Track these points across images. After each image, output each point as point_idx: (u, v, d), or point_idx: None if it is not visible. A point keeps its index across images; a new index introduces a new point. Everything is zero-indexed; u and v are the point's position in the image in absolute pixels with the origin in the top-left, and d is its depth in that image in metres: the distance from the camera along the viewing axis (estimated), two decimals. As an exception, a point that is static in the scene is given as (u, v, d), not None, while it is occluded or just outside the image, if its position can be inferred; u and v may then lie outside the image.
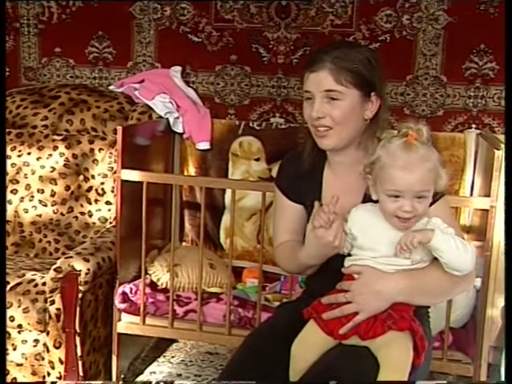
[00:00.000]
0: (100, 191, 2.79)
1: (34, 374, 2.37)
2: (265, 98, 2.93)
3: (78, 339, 2.27)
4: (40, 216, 2.81)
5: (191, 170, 2.92)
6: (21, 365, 2.37)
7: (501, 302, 2.15)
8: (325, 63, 1.59)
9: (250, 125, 2.85)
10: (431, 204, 1.55)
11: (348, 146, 1.67)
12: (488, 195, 2.15)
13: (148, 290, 2.47)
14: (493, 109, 2.75)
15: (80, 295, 2.26)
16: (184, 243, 2.97)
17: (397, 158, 1.47)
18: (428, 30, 2.75)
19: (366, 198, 1.63)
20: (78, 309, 2.25)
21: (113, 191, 2.74)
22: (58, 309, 2.27)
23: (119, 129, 2.36)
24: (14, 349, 2.36)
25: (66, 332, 2.25)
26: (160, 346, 2.91)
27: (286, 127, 2.82)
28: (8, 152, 2.81)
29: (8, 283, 2.36)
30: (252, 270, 2.70)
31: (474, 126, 2.76)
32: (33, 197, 2.82)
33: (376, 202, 1.57)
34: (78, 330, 2.27)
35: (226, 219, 2.88)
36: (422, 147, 1.49)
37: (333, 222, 1.51)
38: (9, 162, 2.81)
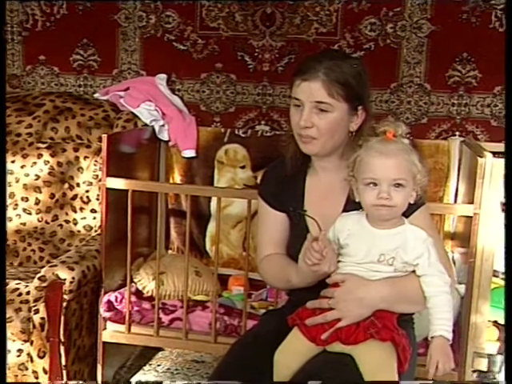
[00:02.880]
0: (85, 199, 2.79)
1: (17, 384, 2.36)
2: (250, 106, 2.94)
3: (62, 348, 2.26)
4: (24, 224, 2.80)
5: (177, 177, 2.91)
6: (4, 375, 2.36)
7: (485, 308, 2.17)
8: (318, 73, 1.59)
9: (236, 132, 2.86)
10: (411, 213, 1.58)
11: (331, 154, 1.69)
12: (472, 202, 2.16)
13: (133, 299, 2.46)
14: (476, 116, 2.77)
15: (64, 304, 2.25)
16: (170, 251, 2.97)
17: (374, 148, 1.52)
18: (412, 38, 2.78)
19: (349, 204, 1.64)
20: (62, 318, 2.24)
21: (98, 199, 2.74)
22: (42, 318, 2.26)
23: (104, 136, 2.36)
24: (-2, 358, 2.34)
25: (51, 341, 2.24)
26: (146, 355, 2.90)
27: (271, 135, 2.82)
28: (-8, 160, 2.81)
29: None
30: (238, 278, 2.70)
31: (457, 133, 2.79)
32: (17, 205, 2.81)
33: (359, 209, 1.59)
34: (63, 339, 2.26)
35: (211, 227, 2.88)
36: (399, 141, 1.53)
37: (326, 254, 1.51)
38: (-8, 170, 2.81)
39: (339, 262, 1.57)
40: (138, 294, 2.51)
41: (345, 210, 1.65)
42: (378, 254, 1.52)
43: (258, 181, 2.68)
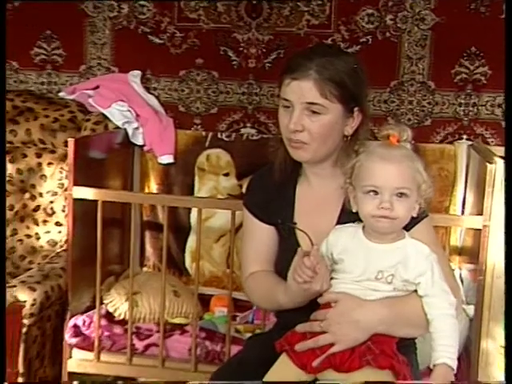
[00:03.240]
0: (49, 211, 2.79)
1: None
2: (234, 107, 2.96)
3: (21, 380, 2.25)
4: (-21, 239, 2.80)
5: (153, 186, 2.93)
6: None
7: (497, 331, 2.17)
8: (309, 72, 1.60)
9: (219, 136, 2.87)
10: (413, 225, 1.59)
11: (324, 160, 1.70)
12: (481, 213, 2.18)
13: (103, 322, 2.46)
14: (485, 118, 2.81)
15: (24, 330, 2.24)
16: (145, 268, 2.98)
17: (376, 153, 1.52)
18: (414, 31, 2.80)
19: (343, 215, 1.65)
20: (21, 345, 2.23)
21: (64, 211, 2.74)
22: (-2, 345, 2.26)
23: (71, 141, 2.37)
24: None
25: (8, 373, 2.22)
26: (117, 386, 2.89)
27: (258, 138, 2.85)
28: None
29: None
30: (221, 298, 2.71)
31: (465, 136, 2.81)
32: (-29, 218, 2.81)
33: (355, 221, 1.60)
34: (22, 370, 2.25)
35: (191, 241, 2.89)
36: (404, 148, 1.54)
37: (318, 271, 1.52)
38: None
39: (332, 279, 1.57)
40: (109, 317, 2.50)
41: (339, 222, 1.66)
42: (375, 271, 1.52)
43: (244, 190, 2.67)
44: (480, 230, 2.18)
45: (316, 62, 1.61)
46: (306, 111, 1.62)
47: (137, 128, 2.84)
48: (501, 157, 2.20)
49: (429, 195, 1.56)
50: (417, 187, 1.53)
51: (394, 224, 1.52)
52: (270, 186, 1.76)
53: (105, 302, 2.52)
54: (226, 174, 2.88)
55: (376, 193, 1.51)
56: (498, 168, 2.13)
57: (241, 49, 2.92)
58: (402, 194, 1.51)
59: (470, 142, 2.76)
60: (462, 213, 2.67)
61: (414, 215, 1.56)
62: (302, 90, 1.61)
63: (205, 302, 2.69)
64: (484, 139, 2.79)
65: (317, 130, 1.63)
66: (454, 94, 2.80)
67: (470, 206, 2.60)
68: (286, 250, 1.69)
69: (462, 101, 2.80)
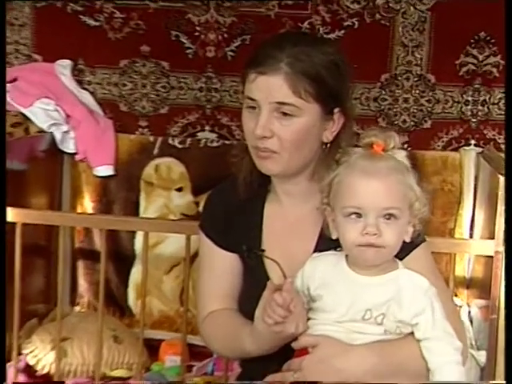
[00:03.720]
0: (-45, 236, 2.75)
1: None
2: (190, 106, 2.95)
3: None
4: None
5: (87, 204, 2.93)
6: None
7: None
8: (279, 64, 1.60)
9: (170, 142, 2.88)
10: (408, 253, 1.59)
11: (298, 174, 1.70)
12: (493, 237, 2.21)
13: (22, 378, 2.44)
14: (498, 118, 2.82)
15: None
16: (77, 308, 2.96)
17: (357, 166, 1.53)
18: (410, 12, 2.80)
19: (322, 241, 1.65)
20: None
21: (-27, 236, 2.70)
22: None
23: (-19, 147, 2.34)
24: None
25: None
26: None
27: (218, 145, 2.86)
28: None
29: None
30: (173, 344, 2.71)
31: (472, 142, 2.82)
32: None
33: (336, 248, 1.59)
34: None
35: (136, 273, 2.89)
36: (391, 158, 1.54)
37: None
38: None
39: (310, 320, 1.57)
40: (29, 370, 2.49)
41: (317, 250, 1.65)
42: (362, 310, 1.51)
43: (201, 208, 2.64)
44: (492, 257, 2.19)
45: (288, 52, 1.60)
46: (276, 113, 1.62)
47: (67, 132, 2.83)
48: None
49: (424, 215, 1.56)
50: (408, 206, 1.53)
51: (383, 253, 1.52)
52: (232, 205, 1.76)
53: (24, 351, 2.51)
54: (180, 189, 2.89)
55: (359, 215, 1.51)
56: (513, 180, 2.16)
57: (197, 34, 2.90)
58: (390, 216, 1.50)
59: (480, 149, 2.77)
60: (471, 236, 2.68)
61: (407, 240, 1.56)
62: (270, 86, 1.61)
63: (153, 348, 2.70)
64: (496, 145, 2.79)
65: (289, 137, 1.62)
66: (460, 90, 2.81)
67: (480, 227, 2.61)
68: (253, 283, 1.69)
69: (470, 98, 2.81)
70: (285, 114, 1.61)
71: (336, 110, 1.65)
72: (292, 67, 1.59)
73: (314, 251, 1.65)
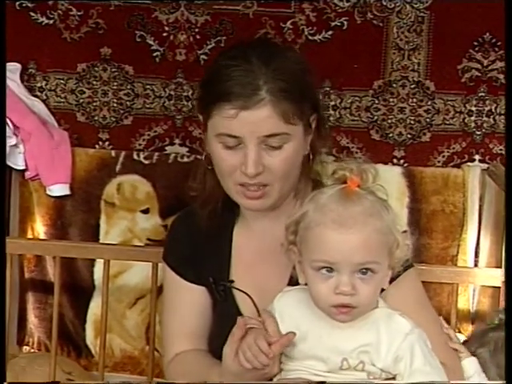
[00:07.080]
0: None
1: None
2: (157, 116, 2.87)
3: None
4: None
5: (39, 228, 2.86)
6: None
7: None
8: (260, 94, 1.59)
9: (135, 157, 2.81)
10: (391, 281, 1.57)
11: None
12: (500, 265, 2.28)
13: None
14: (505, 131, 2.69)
15: None
16: (26, 348, 2.92)
17: (328, 211, 1.50)
18: (405, 10, 2.74)
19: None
20: None
21: None
22: None
23: None
24: None
25: None
26: None
27: (190, 160, 2.77)
28: None
29: None
30: (137, 389, 2.69)
31: (477, 157, 2.76)
32: None
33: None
34: None
35: (95, 307, 2.81)
36: (367, 197, 1.51)
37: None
38: None
39: (282, 364, 1.57)
40: None
41: (292, 281, 1.65)
42: (338, 361, 1.50)
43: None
44: (499, 287, 2.22)
45: (263, 76, 1.59)
46: (263, 145, 1.62)
47: (15, 145, 2.73)
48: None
49: (405, 254, 1.56)
50: (388, 253, 1.52)
51: (359, 311, 1.51)
52: (198, 232, 1.79)
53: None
54: (146, 211, 2.81)
55: (331, 269, 1.49)
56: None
57: (165, 34, 2.83)
58: (367, 270, 1.49)
59: (485, 165, 2.71)
60: (475, 264, 2.64)
61: (385, 287, 1.56)
62: (256, 121, 1.60)
63: (114, 394, 2.65)
64: (503, 161, 2.67)
65: (280, 167, 1.63)
66: (462, 99, 2.74)
67: (486, 254, 2.61)
68: (222, 318, 1.71)
69: (473, 108, 2.75)
70: (273, 146, 1.62)
71: (312, 118, 1.68)
72: (274, 93, 1.59)
73: (289, 282, 1.66)
